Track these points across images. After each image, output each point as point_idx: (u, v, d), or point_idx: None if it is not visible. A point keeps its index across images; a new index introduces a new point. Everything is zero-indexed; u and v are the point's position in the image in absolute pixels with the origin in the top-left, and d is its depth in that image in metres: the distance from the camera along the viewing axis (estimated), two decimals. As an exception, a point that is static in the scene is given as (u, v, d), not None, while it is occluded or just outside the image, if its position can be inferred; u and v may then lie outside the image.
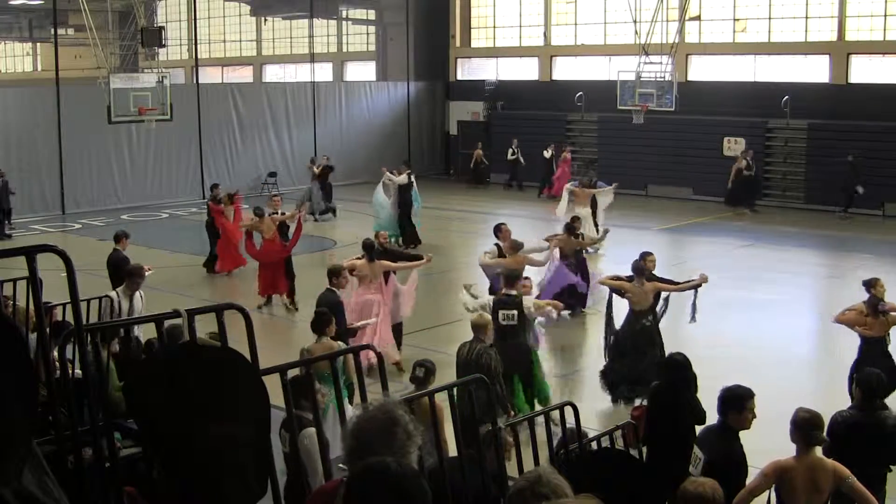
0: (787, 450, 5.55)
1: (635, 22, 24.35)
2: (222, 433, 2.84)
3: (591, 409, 9.91)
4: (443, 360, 8.79)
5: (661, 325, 10.51)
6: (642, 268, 10.44)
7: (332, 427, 6.29)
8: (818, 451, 5.61)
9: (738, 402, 5.92)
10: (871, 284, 9.53)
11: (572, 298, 13.27)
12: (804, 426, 5.45)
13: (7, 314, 5.32)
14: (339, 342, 8.61)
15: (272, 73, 40.69)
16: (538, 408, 9.24)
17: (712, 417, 6.29)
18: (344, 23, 36.38)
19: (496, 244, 12.70)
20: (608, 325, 10.83)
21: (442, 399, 4.96)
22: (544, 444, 5.47)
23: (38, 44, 42.03)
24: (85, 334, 3.38)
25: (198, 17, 32.18)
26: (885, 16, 24.35)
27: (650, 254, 10.82)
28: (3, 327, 2.23)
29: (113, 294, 9.72)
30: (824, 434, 5.63)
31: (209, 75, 37.31)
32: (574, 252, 14.26)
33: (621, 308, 10.78)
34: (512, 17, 31.55)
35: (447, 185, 30.03)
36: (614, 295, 10.76)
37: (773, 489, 5.52)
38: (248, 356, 3.18)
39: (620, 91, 24.62)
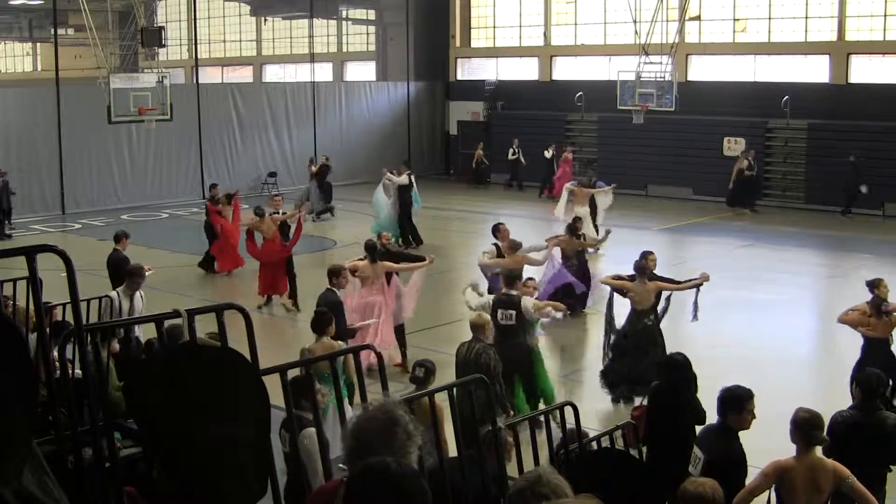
0: (787, 450, 5.54)
1: (635, 22, 24.34)
2: (222, 433, 2.84)
3: (591, 409, 9.91)
4: (443, 360, 8.79)
5: (661, 325, 10.51)
6: (644, 267, 10.43)
7: (333, 427, 6.29)
8: (818, 451, 5.61)
9: (737, 403, 5.92)
10: (874, 285, 9.51)
11: (571, 298, 13.27)
12: (804, 426, 5.45)
13: (7, 314, 5.32)
14: (339, 342, 8.61)
15: (272, 73, 40.69)
16: (541, 407, 9.23)
17: (712, 417, 6.29)
18: (344, 23, 36.38)
19: (494, 244, 12.70)
20: (609, 325, 10.83)
21: (442, 399, 4.96)
22: (544, 444, 5.47)
23: (38, 44, 42.03)
24: (85, 334, 3.38)
25: (198, 17, 32.17)
26: (885, 16, 24.35)
27: (651, 253, 10.81)
28: (3, 327, 2.23)
29: (113, 294, 9.72)
30: (824, 434, 5.63)
31: (209, 75, 37.32)
32: (576, 253, 14.26)
33: (622, 308, 10.79)
34: (512, 17, 31.55)
35: (447, 185, 30.03)
36: (615, 294, 10.77)
37: (773, 489, 5.52)
38: (248, 356, 3.18)
39: (620, 91, 24.61)
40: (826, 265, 18.98)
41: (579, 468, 5.08)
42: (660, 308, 10.51)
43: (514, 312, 9.64)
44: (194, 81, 28.45)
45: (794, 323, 14.12)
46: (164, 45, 24.88)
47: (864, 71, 24.95)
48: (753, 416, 5.97)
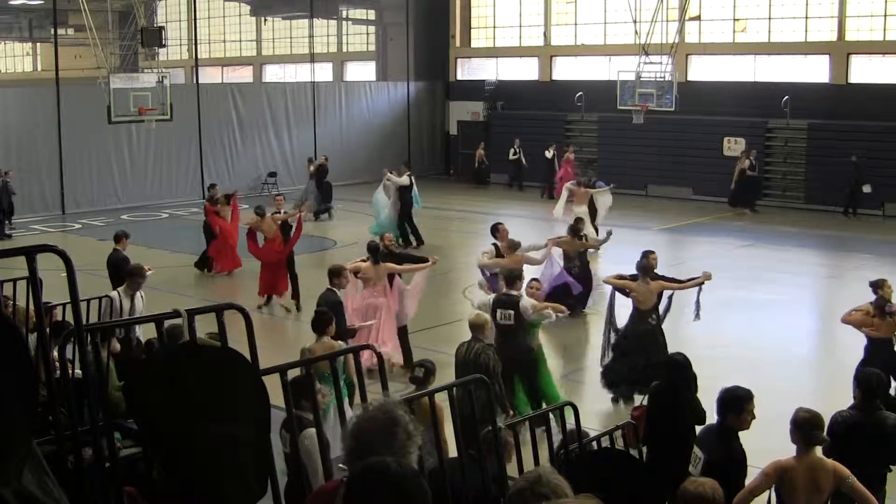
0: (787, 450, 5.54)
1: (635, 22, 24.34)
2: (222, 433, 2.84)
3: (591, 409, 9.91)
4: (443, 360, 8.79)
5: (662, 325, 10.51)
6: (648, 266, 10.43)
7: (333, 427, 6.29)
8: (818, 451, 5.61)
9: (737, 404, 5.92)
10: (878, 286, 9.50)
11: (571, 298, 13.28)
12: (804, 426, 5.45)
13: (7, 314, 5.32)
14: (339, 342, 8.61)
15: (272, 73, 40.70)
16: (544, 407, 9.23)
17: (712, 417, 6.29)
18: (344, 23, 36.39)
19: (494, 244, 12.69)
20: (610, 324, 10.82)
21: (442, 399, 4.96)
22: (544, 444, 5.47)
23: (38, 44, 42.04)
24: (85, 334, 3.38)
25: (198, 17, 32.17)
26: (885, 16, 24.36)
27: (652, 252, 10.79)
28: (3, 327, 2.23)
29: (114, 294, 9.72)
30: (824, 434, 5.63)
31: (209, 75, 37.32)
32: (578, 254, 14.26)
33: (622, 308, 10.78)
34: (512, 17, 31.55)
35: (447, 185, 30.03)
36: (617, 294, 10.76)
37: (773, 489, 5.52)
38: (248, 356, 3.18)
39: (620, 91, 24.61)
40: (826, 265, 18.99)
41: (579, 468, 5.08)
42: (662, 308, 10.51)
43: (512, 312, 9.62)
44: (194, 81, 28.45)
45: (794, 323, 14.12)
46: (164, 45, 24.88)
47: (864, 71, 24.95)
48: (753, 417, 5.97)
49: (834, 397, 8.19)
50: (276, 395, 3.38)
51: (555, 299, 11.52)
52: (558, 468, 4.15)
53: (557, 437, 6.03)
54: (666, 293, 10.53)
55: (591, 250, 15.69)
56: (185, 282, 16.42)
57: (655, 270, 10.63)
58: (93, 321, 7.15)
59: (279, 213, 15.76)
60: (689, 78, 26.97)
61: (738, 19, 26.94)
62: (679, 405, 7.18)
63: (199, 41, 30.35)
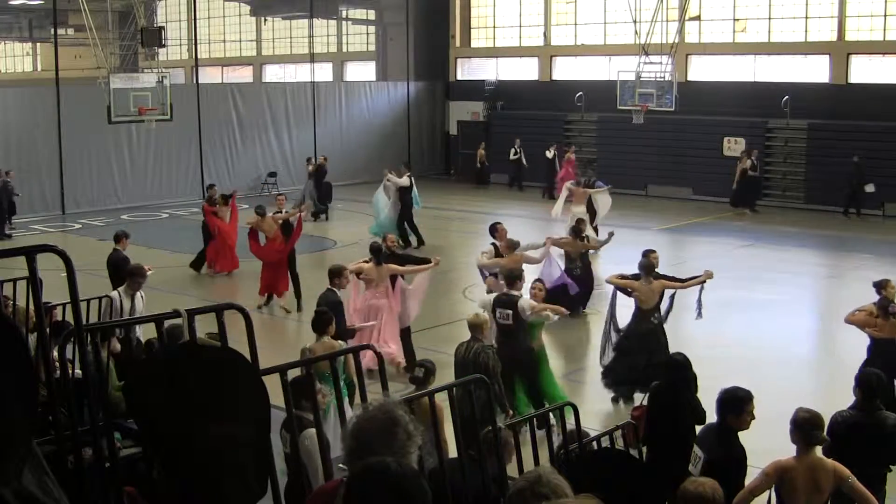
0: (787, 450, 5.54)
1: (635, 22, 24.34)
2: (222, 433, 2.84)
3: (591, 409, 9.92)
4: (443, 360, 8.78)
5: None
6: (650, 265, 10.42)
7: (333, 427, 6.29)
8: (818, 451, 5.61)
9: (736, 405, 5.92)
10: (881, 286, 9.47)
11: (568, 298, 13.25)
12: (804, 426, 5.45)
13: (7, 314, 5.32)
14: (339, 342, 8.61)
15: (272, 73, 40.70)
16: (545, 407, 9.22)
17: (712, 417, 6.29)
18: (344, 23, 36.39)
19: (493, 244, 12.69)
20: (611, 324, 10.82)
21: (442, 399, 4.96)
22: (544, 444, 5.47)
23: (38, 44, 42.04)
24: (85, 334, 3.38)
25: (198, 17, 32.16)
26: (885, 16, 24.36)
27: (653, 251, 10.77)
28: (3, 327, 2.23)
29: (114, 294, 9.72)
30: (824, 434, 5.63)
31: (209, 75, 37.32)
32: (580, 255, 14.25)
33: (623, 308, 10.78)
34: (512, 17, 31.55)
35: (447, 185, 30.03)
36: (618, 294, 10.75)
37: (773, 489, 5.52)
38: (248, 356, 3.18)
39: (620, 91, 24.61)
40: (826, 265, 18.99)
41: (579, 468, 5.08)
42: (664, 307, 10.51)
43: (510, 312, 9.63)
44: (194, 81, 28.45)
45: (794, 323, 14.12)
46: (164, 45, 24.89)
47: (864, 71, 24.95)
48: (753, 418, 5.97)
49: (834, 397, 8.19)
50: (276, 395, 3.38)
51: (554, 299, 11.51)
52: (558, 468, 4.15)
53: (557, 437, 6.03)
54: (668, 293, 10.53)
55: (591, 251, 15.69)
56: (185, 282, 16.42)
57: (657, 270, 10.64)
58: (93, 321, 7.15)
59: (280, 212, 15.76)
60: (689, 78, 26.97)
61: (738, 19, 26.94)
62: (679, 405, 7.18)
63: (198, 41, 30.35)
